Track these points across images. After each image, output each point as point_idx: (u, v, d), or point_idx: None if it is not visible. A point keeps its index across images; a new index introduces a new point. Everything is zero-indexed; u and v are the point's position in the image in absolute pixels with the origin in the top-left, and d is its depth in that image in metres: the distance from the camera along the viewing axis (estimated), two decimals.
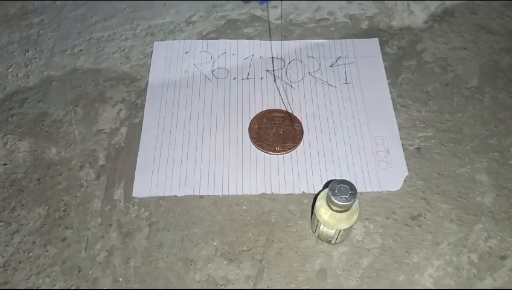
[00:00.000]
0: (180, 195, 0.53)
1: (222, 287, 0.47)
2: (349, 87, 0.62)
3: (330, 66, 0.64)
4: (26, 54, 0.67)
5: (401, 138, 0.57)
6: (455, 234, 0.50)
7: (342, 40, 0.67)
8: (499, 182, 0.54)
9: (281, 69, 0.64)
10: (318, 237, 0.49)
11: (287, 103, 0.58)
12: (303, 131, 0.58)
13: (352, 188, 0.43)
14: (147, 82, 0.63)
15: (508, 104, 0.60)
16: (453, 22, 0.69)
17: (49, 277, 0.48)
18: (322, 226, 0.46)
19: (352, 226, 0.46)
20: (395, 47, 0.66)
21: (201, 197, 0.53)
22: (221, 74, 0.64)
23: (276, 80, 0.61)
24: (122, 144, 0.58)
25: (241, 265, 0.49)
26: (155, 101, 0.61)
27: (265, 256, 0.49)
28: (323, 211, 0.45)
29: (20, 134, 0.59)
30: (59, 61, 0.66)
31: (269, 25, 0.69)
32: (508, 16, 0.69)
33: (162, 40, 0.68)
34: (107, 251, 0.50)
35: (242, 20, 0.70)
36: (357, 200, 0.44)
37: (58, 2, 0.73)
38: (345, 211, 0.44)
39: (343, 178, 0.46)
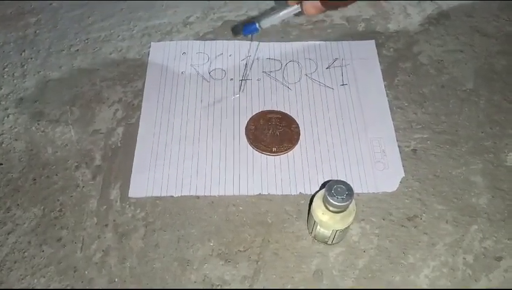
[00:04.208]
0: (176, 195, 0.53)
1: (218, 288, 0.47)
2: (345, 89, 0.62)
3: (327, 68, 0.64)
4: (23, 53, 0.67)
5: (397, 140, 0.57)
6: (451, 235, 0.50)
7: (339, 42, 0.67)
8: (494, 183, 0.54)
9: (278, 70, 0.64)
10: (314, 237, 0.50)
11: (246, 68, 0.58)
12: (299, 132, 0.58)
13: (348, 188, 0.43)
14: (144, 82, 0.63)
15: (503, 107, 0.60)
16: (448, 24, 0.69)
17: (44, 277, 0.48)
18: (318, 226, 0.47)
19: (348, 226, 0.46)
20: (391, 49, 0.66)
21: (197, 197, 0.53)
22: (218, 74, 0.64)
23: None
24: (119, 144, 0.57)
25: (237, 266, 0.49)
26: (152, 101, 0.61)
27: (262, 257, 0.49)
28: (319, 211, 0.45)
29: (16, 134, 0.58)
30: (55, 61, 0.66)
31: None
32: (503, 18, 0.70)
33: (159, 40, 0.68)
34: (102, 251, 0.49)
35: (239, 21, 0.70)
36: (353, 200, 0.44)
37: (54, 3, 0.73)
38: (342, 211, 0.44)
39: (339, 179, 0.46)
